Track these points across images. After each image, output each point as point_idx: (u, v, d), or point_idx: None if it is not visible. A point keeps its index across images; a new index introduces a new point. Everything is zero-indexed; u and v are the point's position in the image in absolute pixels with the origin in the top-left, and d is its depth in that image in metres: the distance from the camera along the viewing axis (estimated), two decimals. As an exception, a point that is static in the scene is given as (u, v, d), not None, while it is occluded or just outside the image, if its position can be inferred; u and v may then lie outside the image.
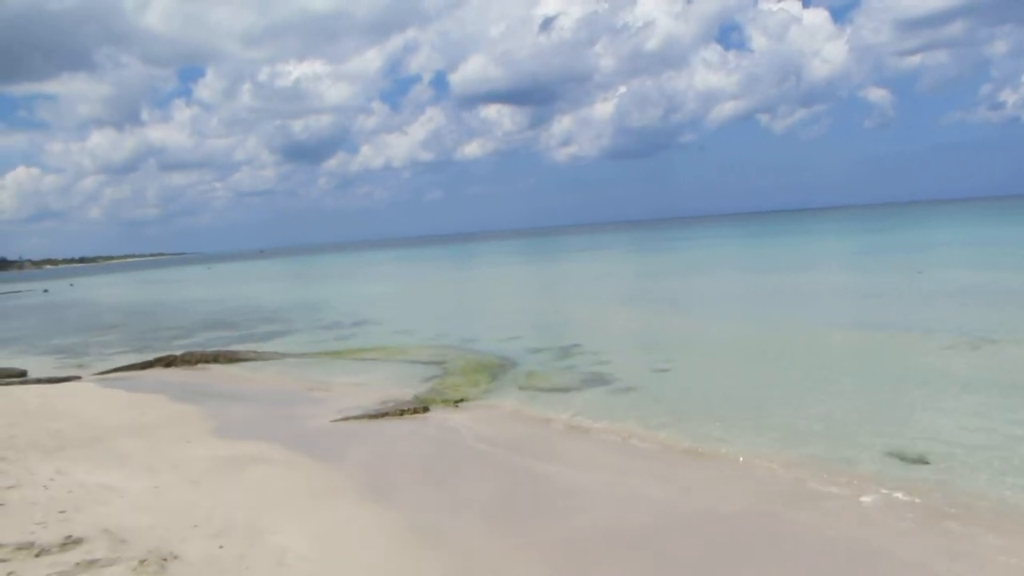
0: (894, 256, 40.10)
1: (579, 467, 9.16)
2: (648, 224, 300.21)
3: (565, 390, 13.19)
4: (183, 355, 19.97)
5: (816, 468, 8.48)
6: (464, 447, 10.31)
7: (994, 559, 6.18)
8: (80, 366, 20.46)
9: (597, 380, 13.67)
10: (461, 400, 12.91)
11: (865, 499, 7.58)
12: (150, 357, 20.19)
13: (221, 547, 6.45)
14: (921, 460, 8.52)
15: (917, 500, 7.46)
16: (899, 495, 7.60)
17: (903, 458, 8.61)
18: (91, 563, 5.96)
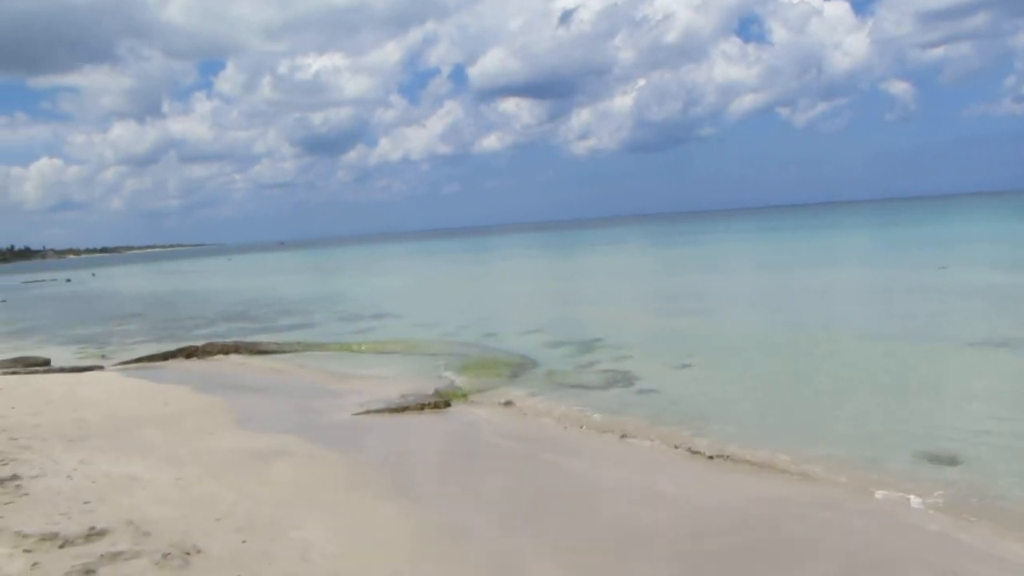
0: (917, 251, 39.66)
1: (601, 464, 9.09)
2: (666, 218, 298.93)
3: (586, 387, 13.11)
4: (204, 346, 20.04)
5: (842, 470, 8.35)
6: (486, 442, 10.26)
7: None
8: (103, 356, 20.61)
9: (618, 378, 13.57)
10: (482, 395, 12.86)
11: (893, 501, 7.46)
12: (171, 347, 20.27)
13: (244, 542, 6.43)
14: (951, 461, 8.39)
15: (946, 502, 7.34)
16: (928, 497, 7.46)
17: (932, 459, 8.48)
18: (115, 555, 5.95)
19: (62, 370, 17.51)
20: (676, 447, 9.54)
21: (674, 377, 13.53)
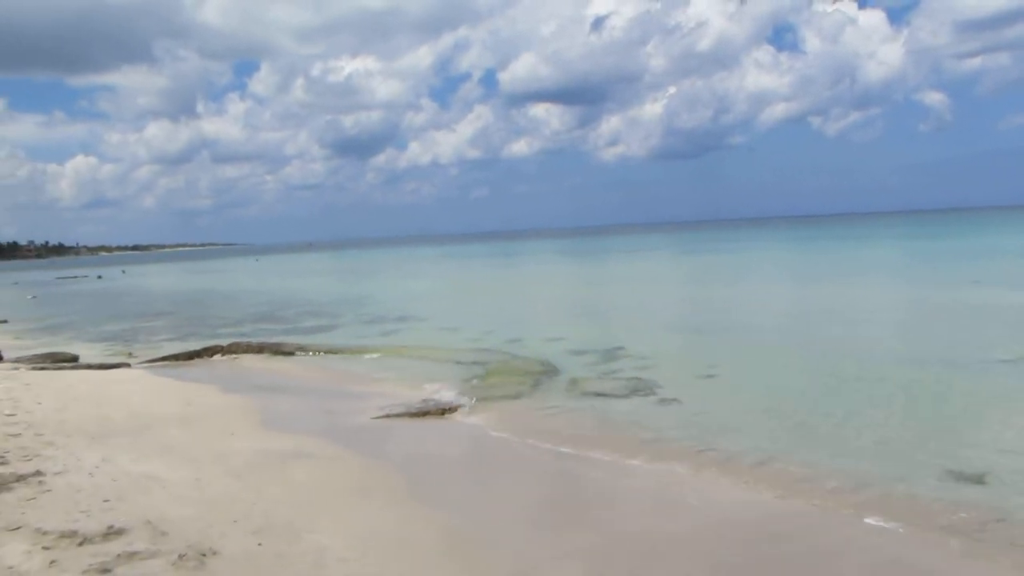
0: (949, 265, 39.01)
1: (623, 473, 9.01)
2: (695, 226, 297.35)
3: (608, 395, 13.00)
4: (229, 345, 20.21)
5: (865, 486, 8.20)
6: (506, 449, 10.21)
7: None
8: (130, 353, 20.82)
9: (640, 387, 13.44)
10: (503, 401, 12.81)
11: (916, 519, 7.30)
12: (197, 346, 20.46)
13: (260, 544, 6.42)
14: (977, 481, 8.19)
15: (970, 523, 7.17)
16: (953, 516, 7.30)
17: (959, 479, 8.28)
18: (131, 555, 5.97)
19: (89, 367, 17.73)
20: (698, 458, 9.42)
21: (698, 388, 13.39)
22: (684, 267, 55.56)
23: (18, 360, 18.33)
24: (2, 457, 8.74)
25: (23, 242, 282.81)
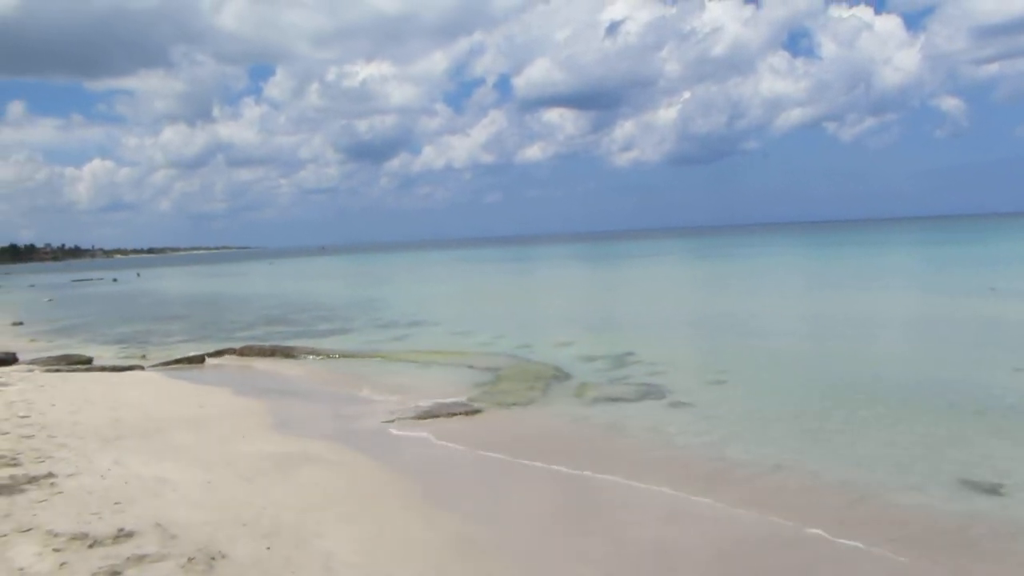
0: (965, 271, 38.67)
1: (633, 480, 8.95)
2: (709, 231, 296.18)
3: (619, 401, 12.96)
4: (242, 348, 20.31)
5: (876, 496, 8.14)
6: (516, 453, 10.17)
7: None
8: (143, 356, 20.94)
9: (651, 393, 13.39)
10: (513, 406, 12.80)
11: (927, 529, 7.23)
12: (211, 349, 20.55)
13: (268, 548, 6.44)
14: (993, 491, 8.11)
15: (984, 533, 7.09)
16: (966, 527, 7.23)
17: (973, 489, 8.20)
18: (141, 558, 6.00)
19: (103, 369, 17.84)
20: (708, 466, 9.37)
21: (706, 394, 13.31)
22: (697, 272, 55.35)
23: (33, 362, 18.48)
24: (15, 459, 8.81)
25: (40, 244, 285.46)
